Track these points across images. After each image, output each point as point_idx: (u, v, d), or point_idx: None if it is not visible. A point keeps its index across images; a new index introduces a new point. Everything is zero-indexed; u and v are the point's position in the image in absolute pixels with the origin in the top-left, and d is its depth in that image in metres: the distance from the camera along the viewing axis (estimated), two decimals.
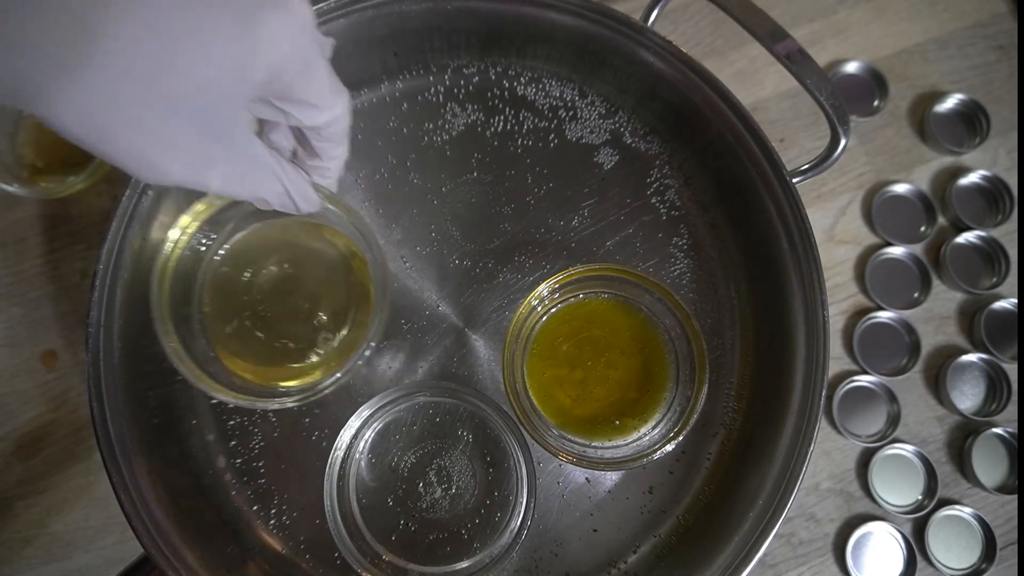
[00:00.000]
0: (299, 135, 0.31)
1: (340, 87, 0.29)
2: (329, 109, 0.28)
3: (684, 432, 0.38)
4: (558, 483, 0.42)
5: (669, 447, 0.38)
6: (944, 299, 0.52)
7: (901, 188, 0.53)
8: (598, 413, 0.41)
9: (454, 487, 0.41)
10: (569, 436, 0.40)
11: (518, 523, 0.39)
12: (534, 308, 0.41)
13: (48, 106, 0.21)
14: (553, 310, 0.43)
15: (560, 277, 0.40)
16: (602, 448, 0.40)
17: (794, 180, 0.41)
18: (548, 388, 0.41)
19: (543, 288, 0.40)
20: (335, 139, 0.31)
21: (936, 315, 0.52)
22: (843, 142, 0.41)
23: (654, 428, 0.40)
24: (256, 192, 0.29)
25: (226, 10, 0.22)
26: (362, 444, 0.41)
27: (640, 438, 0.40)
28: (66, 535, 0.46)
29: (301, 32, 0.25)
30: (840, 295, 0.52)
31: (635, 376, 0.42)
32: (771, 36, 0.41)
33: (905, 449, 0.48)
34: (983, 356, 0.50)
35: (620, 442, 0.40)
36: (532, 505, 0.39)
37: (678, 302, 0.40)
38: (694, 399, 0.39)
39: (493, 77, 0.47)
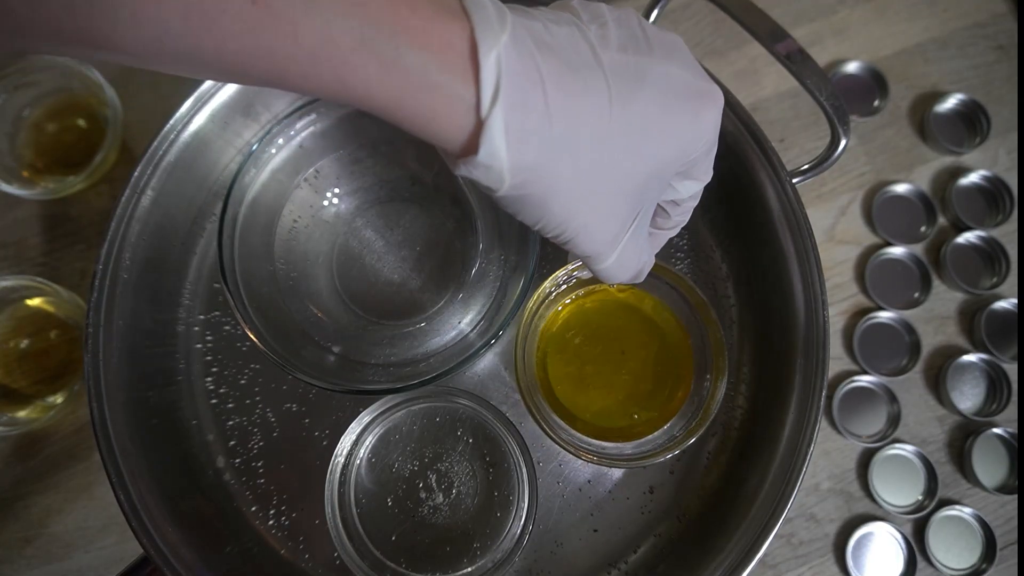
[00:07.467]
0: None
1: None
2: (705, 181, 0.29)
3: (705, 425, 0.37)
4: (558, 483, 0.42)
5: (690, 440, 0.37)
6: (944, 299, 0.52)
7: (901, 188, 0.53)
8: (612, 407, 0.41)
9: (455, 490, 0.41)
10: (583, 433, 0.39)
11: (520, 525, 0.39)
12: (543, 304, 0.41)
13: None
14: (562, 305, 0.42)
15: (570, 268, 0.40)
16: (619, 444, 0.39)
17: (794, 180, 0.41)
18: (560, 383, 0.41)
19: (550, 284, 0.40)
20: (689, 209, 0.31)
21: (936, 315, 0.51)
22: (843, 142, 0.41)
23: (671, 422, 0.40)
24: (634, 267, 0.29)
25: (685, 103, 0.25)
26: (363, 450, 0.41)
27: (657, 432, 0.39)
28: (66, 535, 0.46)
29: (719, 117, 0.27)
30: (840, 295, 0.52)
31: (649, 369, 0.41)
32: (771, 36, 0.41)
33: (905, 449, 0.48)
34: (983, 356, 0.50)
35: (637, 438, 0.39)
36: (534, 507, 0.39)
37: (692, 288, 0.39)
38: (712, 390, 0.38)
39: None
